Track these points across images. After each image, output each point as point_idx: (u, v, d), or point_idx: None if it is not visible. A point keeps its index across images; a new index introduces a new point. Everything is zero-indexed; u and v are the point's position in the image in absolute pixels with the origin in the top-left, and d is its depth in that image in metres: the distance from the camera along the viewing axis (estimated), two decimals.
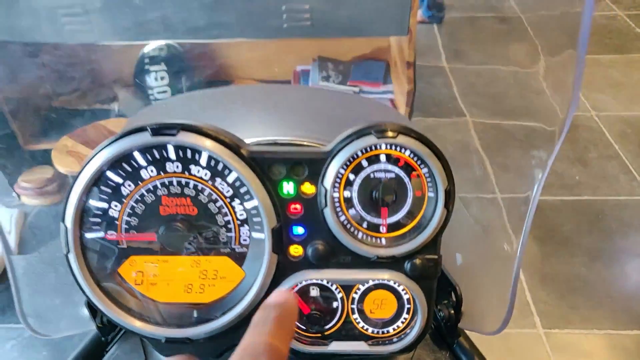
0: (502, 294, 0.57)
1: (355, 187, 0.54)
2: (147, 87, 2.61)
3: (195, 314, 0.56)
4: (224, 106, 0.62)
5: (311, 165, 0.53)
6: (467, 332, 0.66)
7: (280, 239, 0.54)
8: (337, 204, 0.54)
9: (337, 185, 0.53)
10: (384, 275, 0.55)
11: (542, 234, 2.86)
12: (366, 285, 0.56)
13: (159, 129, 0.51)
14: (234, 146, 0.52)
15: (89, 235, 0.55)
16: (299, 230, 0.55)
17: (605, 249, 2.82)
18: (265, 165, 0.53)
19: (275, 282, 0.55)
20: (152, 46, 2.54)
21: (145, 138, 0.51)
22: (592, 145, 3.54)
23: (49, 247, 0.67)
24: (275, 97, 0.62)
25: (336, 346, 0.57)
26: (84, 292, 0.55)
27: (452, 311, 0.63)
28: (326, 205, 0.53)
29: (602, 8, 4.91)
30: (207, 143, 0.51)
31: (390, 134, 0.51)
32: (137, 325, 0.55)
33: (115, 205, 0.54)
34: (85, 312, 0.65)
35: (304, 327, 0.58)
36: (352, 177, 0.53)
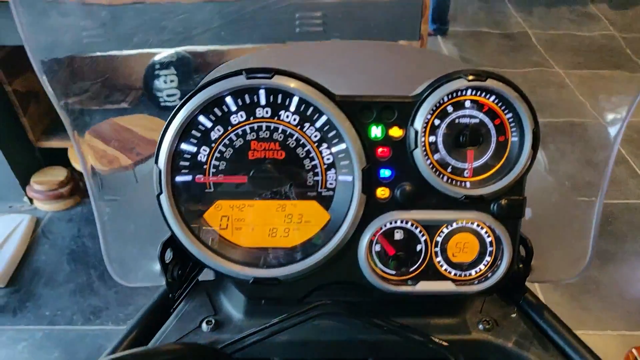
0: (577, 241, 0.58)
1: (441, 132, 0.55)
2: (157, 89, 2.64)
3: (282, 256, 0.57)
4: (300, 63, 0.64)
5: (400, 109, 0.54)
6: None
7: (370, 179, 0.55)
8: (424, 148, 0.55)
9: (424, 129, 0.55)
10: (471, 215, 0.56)
11: None
12: (450, 228, 0.58)
13: (254, 72, 0.52)
14: (326, 90, 0.53)
15: (179, 179, 0.56)
16: (386, 172, 0.56)
17: (617, 251, 2.83)
18: (355, 108, 0.54)
19: (363, 223, 0.56)
20: (163, 54, 2.58)
21: (240, 81, 0.53)
22: (601, 150, 3.55)
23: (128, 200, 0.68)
24: (349, 54, 0.64)
25: (423, 286, 0.58)
26: (173, 232, 0.56)
27: (521, 265, 0.64)
28: (416, 146, 0.54)
29: (602, 28, 4.99)
30: (301, 86, 0.53)
31: (478, 77, 0.53)
32: (225, 265, 0.56)
33: (204, 150, 0.56)
34: (157, 267, 0.65)
35: (390, 269, 0.59)
36: (437, 122, 0.55)
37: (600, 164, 0.56)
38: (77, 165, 2.44)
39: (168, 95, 2.68)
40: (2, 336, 2.33)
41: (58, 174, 2.92)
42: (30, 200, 2.93)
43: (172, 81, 2.67)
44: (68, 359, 2.36)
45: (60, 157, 2.88)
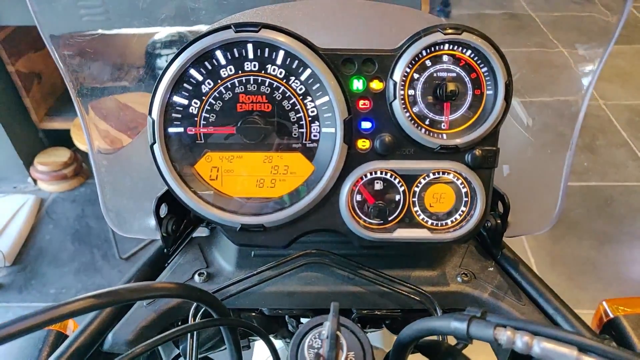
0: (549, 195, 0.61)
1: (419, 85, 0.58)
2: (158, 68, 2.66)
3: (268, 205, 0.60)
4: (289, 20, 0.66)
5: (381, 62, 0.57)
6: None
7: (351, 130, 0.58)
8: (403, 101, 0.58)
9: (403, 82, 0.57)
10: (446, 165, 0.59)
11: None
12: (427, 179, 0.60)
13: (242, 26, 0.55)
14: (310, 43, 0.56)
15: (171, 130, 0.59)
16: (367, 124, 0.59)
17: (614, 233, 2.85)
18: (338, 61, 0.57)
19: (344, 172, 0.59)
20: (163, 34, 2.59)
21: (229, 34, 0.55)
22: (601, 133, 3.58)
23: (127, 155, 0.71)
24: (337, 11, 0.66)
25: (399, 233, 0.61)
26: (166, 181, 0.59)
27: (499, 221, 0.67)
28: (395, 98, 0.57)
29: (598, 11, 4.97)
30: (286, 40, 0.55)
31: (455, 30, 0.55)
32: (214, 212, 0.59)
33: (195, 102, 0.59)
34: (153, 221, 0.68)
35: (369, 218, 0.62)
36: (416, 75, 0.58)
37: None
38: (81, 145, 2.47)
39: None
40: (8, 313, 2.38)
41: (61, 154, 2.95)
42: (34, 181, 2.98)
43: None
44: None
45: (63, 138, 2.91)
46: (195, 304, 0.59)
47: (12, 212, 2.77)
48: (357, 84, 0.58)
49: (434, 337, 0.60)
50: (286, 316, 0.76)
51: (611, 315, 0.66)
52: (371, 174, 0.60)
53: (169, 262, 0.71)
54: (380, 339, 1.08)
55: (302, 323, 0.77)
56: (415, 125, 0.58)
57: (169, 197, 0.64)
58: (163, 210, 0.68)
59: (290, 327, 0.79)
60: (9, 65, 2.63)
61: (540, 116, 0.66)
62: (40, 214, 2.87)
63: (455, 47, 0.57)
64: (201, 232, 0.75)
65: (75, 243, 2.72)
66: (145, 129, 0.60)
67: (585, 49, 0.59)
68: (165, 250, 0.71)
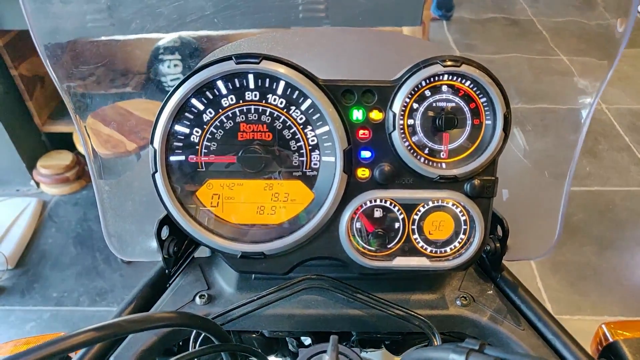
0: (548, 221, 0.61)
1: (419, 115, 0.58)
2: (161, 74, 2.67)
3: (268, 232, 0.61)
4: (289, 48, 0.67)
5: (380, 93, 0.58)
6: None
7: (350, 160, 0.59)
8: (402, 131, 0.58)
9: (402, 112, 0.58)
10: (445, 195, 0.60)
11: None
12: (426, 207, 0.61)
13: (243, 58, 0.56)
14: (311, 75, 0.57)
15: (173, 158, 0.59)
16: (367, 153, 0.59)
17: (616, 238, 2.85)
18: (338, 92, 0.58)
19: (344, 201, 0.60)
20: (166, 39, 2.60)
21: (230, 66, 0.56)
22: (603, 138, 3.57)
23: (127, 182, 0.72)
24: (337, 40, 0.67)
25: (399, 261, 0.62)
26: (167, 209, 0.60)
27: (498, 244, 0.68)
28: (394, 129, 0.57)
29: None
30: (287, 71, 0.56)
31: (454, 62, 0.56)
32: (215, 240, 0.60)
33: (197, 131, 0.59)
34: (154, 244, 0.69)
35: (369, 245, 0.62)
36: (415, 106, 0.58)
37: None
38: (82, 148, 2.48)
39: (172, 80, 2.70)
40: (11, 316, 2.40)
41: (64, 158, 2.96)
42: (37, 184, 2.99)
43: (175, 66, 2.69)
44: None
45: (66, 142, 2.93)
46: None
47: (15, 215, 2.78)
48: (357, 114, 0.58)
49: None
50: (287, 337, 0.77)
51: (610, 339, 0.67)
52: (371, 202, 0.61)
53: (170, 282, 0.72)
54: (382, 357, 1.09)
55: (302, 343, 0.77)
56: (415, 155, 0.59)
57: (169, 219, 0.65)
58: (164, 232, 0.68)
59: (290, 347, 0.79)
60: (12, 69, 2.64)
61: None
62: (43, 217, 2.88)
63: (455, 78, 0.57)
64: (202, 251, 0.76)
65: (78, 246, 2.74)
66: (144, 152, 0.61)
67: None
68: (166, 271, 0.72)
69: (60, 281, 2.56)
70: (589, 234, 2.90)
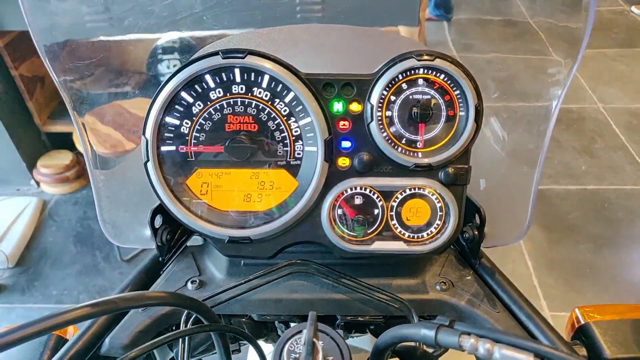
0: (521, 209, 0.64)
1: (396, 107, 0.62)
2: (160, 74, 2.71)
3: (255, 218, 0.64)
4: (277, 44, 0.70)
5: (359, 86, 0.61)
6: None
7: (331, 149, 0.62)
8: (380, 122, 0.62)
9: (380, 104, 0.61)
10: (420, 182, 0.63)
11: (548, 221, 2.93)
12: (404, 194, 0.64)
13: (229, 53, 0.59)
14: (293, 69, 0.60)
15: (164, 148, 0.63)
16: (347, 143, 0.63)
17: (611, 236, 2.87)
18: (319, 85, 0.61)
19: (325, 188, 0.63)
20: (165, 39, 2.63)
21: (217, 60, 0.59)
22: (599, 137, 3.60)
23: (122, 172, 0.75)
24: (322, 36, 0.70)
25: (377, 245, 0.65)
26: (159, 196, 0.63)
27: (476, 232, 0.71)
28: (372, 120, 0.61)
29: (610, 3, 5.01)
30: (271, 65, 0.59)
31: (428, 57, 0.59)
32: (203, 225, 0.63)
33: (186, 122, 0.63)
34: (148, 232, 0.72)
35: (350, 231, 0.66)
36: (393, 98, 0.62)
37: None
38: (81, 147, 2.51)
39: None
40: (12, 314, 2.43)
41: (64, 157, 3.00)
42: (37, 183, 3.02)
43: (174, 66, 2.72)
44: None
45: (66, 141, 2.96)
46: (186, 310, 0.63)
47: (15, 215, 2.81)
48: (337, 106, 0.62)
49: (412, 343, 0.63)
50: (276, 321, 0.80)
51: (582, 322, 0.70)
52: (351, 189, 0.64)
53: (163, 270, 0.75)
54: (369, 343, 1.12)
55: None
56: (392, 144, 0.62)
57: (163, 209, 0.68)
58: (158, 221, 0.72)
59: (279, 332, 0.82)
60: (12, 69, 2.68)
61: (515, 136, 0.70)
62: (43, 216, 2.92)
63: (429, 72, 0.60)
64: (195, 241, 0.79)
65: (77, 245, 2.77)
66: (139, 145, 0.64)
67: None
68: (160, 258, 0.75)
69: (61, 279, 2.59)
70: (584, 232, 2.92)
